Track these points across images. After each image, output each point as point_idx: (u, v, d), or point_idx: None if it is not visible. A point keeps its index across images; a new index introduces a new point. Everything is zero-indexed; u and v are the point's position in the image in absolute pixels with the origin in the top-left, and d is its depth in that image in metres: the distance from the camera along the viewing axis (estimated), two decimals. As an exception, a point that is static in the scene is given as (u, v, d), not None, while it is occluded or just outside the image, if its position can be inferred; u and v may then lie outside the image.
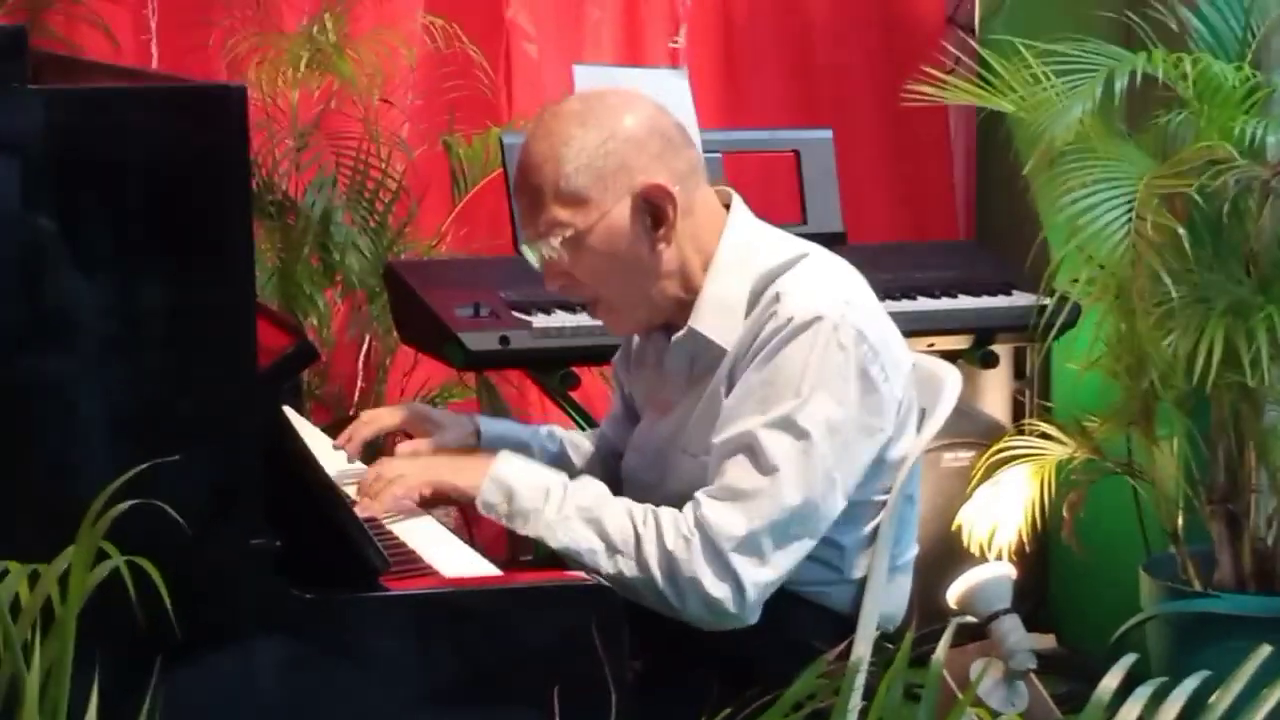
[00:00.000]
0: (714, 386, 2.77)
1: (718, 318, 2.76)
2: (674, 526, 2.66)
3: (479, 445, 3.01)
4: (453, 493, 2.80)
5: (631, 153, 2.71)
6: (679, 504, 2.70)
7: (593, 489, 2.75)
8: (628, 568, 2.67)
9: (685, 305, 2.81)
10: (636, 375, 3.01)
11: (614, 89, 2.92)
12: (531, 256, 2.78)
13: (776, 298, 2.71)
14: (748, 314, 2.75)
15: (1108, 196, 3.71)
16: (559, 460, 3.06)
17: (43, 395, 2.26)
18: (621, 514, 2.70)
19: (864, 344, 2.69)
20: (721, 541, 2.64)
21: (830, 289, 2.74)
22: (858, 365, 2.68)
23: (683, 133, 2.79)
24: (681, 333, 2.80)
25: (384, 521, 2.74)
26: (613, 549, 2.68)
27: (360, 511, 2.70)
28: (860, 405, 2.69)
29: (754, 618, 2.68)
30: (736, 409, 2.70)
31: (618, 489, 2.82)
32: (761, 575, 2.66)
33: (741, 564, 2.64)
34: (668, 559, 2.65)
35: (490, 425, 3.07)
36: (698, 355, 2.80)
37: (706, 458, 2.74)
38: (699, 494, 2.68)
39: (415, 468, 2.82)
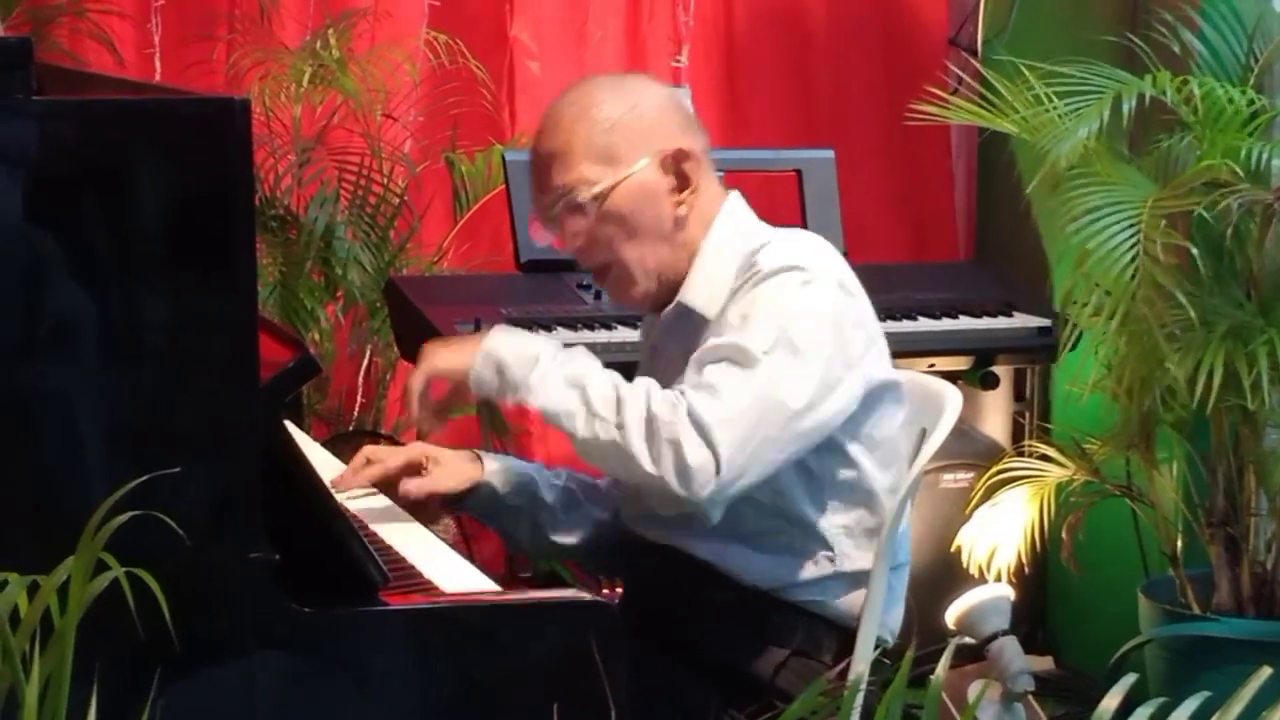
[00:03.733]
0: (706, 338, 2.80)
1: (705, 289, 2.82)
2: (661, 394, 2.66)
3: (481, 478, 2.97)
4: (446, 376, 2.79)
5: (659, 119, 2.82)
6: None
7: (583, 359, 2.74)
8: (604, 430, 2.65)
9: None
10: (644, 360, 3.03)
11: (636, 72, 3.02)
12: (548, 224, 2.82)
13: (755, 263, 2.77)
14: (733, 290, 2.80)
15: (1113, 220, 3.71)
16: (566, 499, 3.04)
17: (44, 407, 2.26)
18: (606, 382, 2.69)
19: (843, 292, 2.75)
20: (705, 417, 2.63)
21: (809, 250, 2.81)
22: (836, 308, 2.73)
23: (697, 120, 2.90)
24: (670, 308, 2.84)
25: (381, 535, 2.74)
26: (592, 413, 2.66)
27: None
28: (838, 342, 2.72)
29: (715, 511, 2.68)
30: (719, 335, 2.73)
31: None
32: (737, 460, 2.64)
33: (723, 440, 2.62)
34: (650, 420, 2.64)
35: (492, 459, 3.04)
36: (689, 332, 2.83)
37: None
38: (685, 387, 2.67)
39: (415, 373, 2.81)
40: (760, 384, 2.67)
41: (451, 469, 2.93)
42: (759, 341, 2.69)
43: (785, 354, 2.69)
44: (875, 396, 2.81)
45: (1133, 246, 3.69)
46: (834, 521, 2.82)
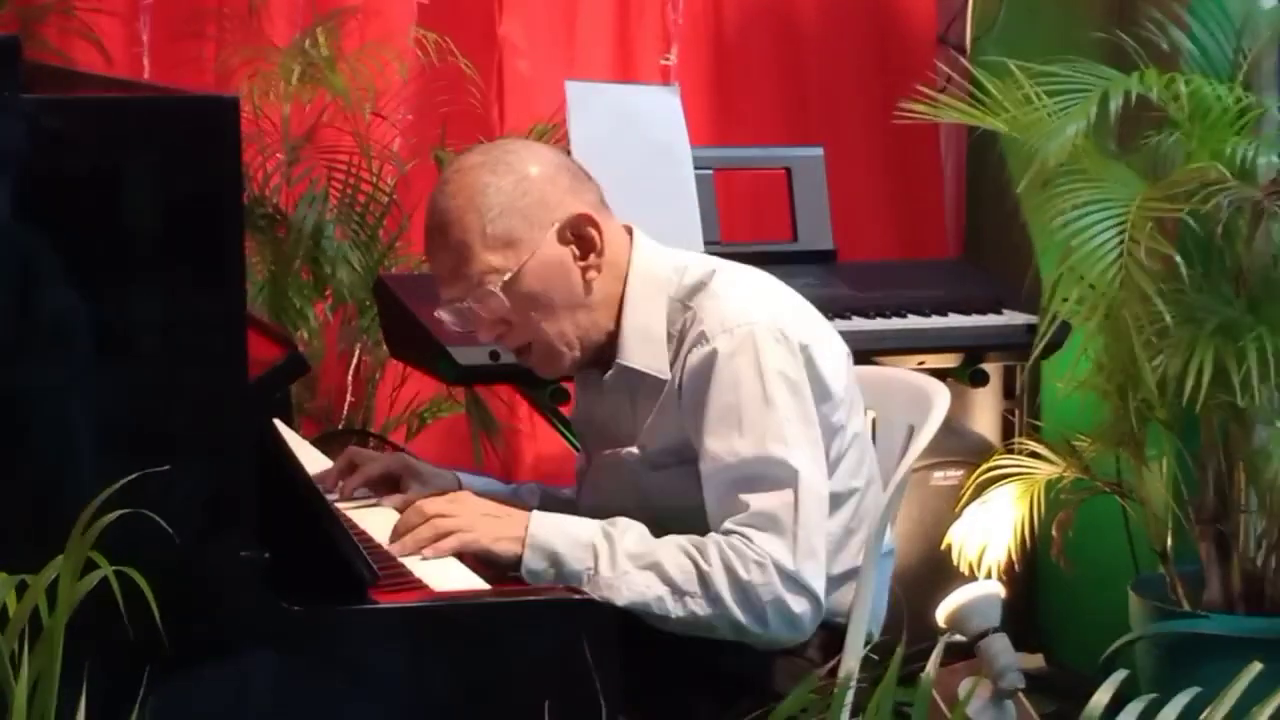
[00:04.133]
0: (661, 404, 2.81)
1: (642, 349, 2.82)
2: (738, 555, 2.68)
3: None
4: (491, 560, 2.72)
5: (547, 188, 2.78)
6: (654, 523, 2.73)
7: (634, 531, 2.73)
8: (700, 608, 2.68)
9: (615, 338, 2.86)
10: (582, 403, 3.03)
11: (509, 140, 3.05)
12: (456, 317, 2.80)
13: (699, 324, 2.77)
14: (671, 340, 2.81)
15: (1100, 217, 3.71)
16: None
17: (32, 405, 2.26)
18: (676, 553, 2.70)
19: (794, 338, 2.75)
20: (789, 565, 2.68)
21: (747, 298, 2.81)
22: (797, 357, 2.75)
23: (583, 169, 2.86)
24: (612, 372, 2.85)
25: (371, 533, 2.74)
26: (679, 592, 2.68)
27: (398, 551, 2.66)
28: (813, 390, 2.75)
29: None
30: (718, 442, 2.73)
31: None
32: (822, 579, 2.72)
33: (811, 574, 2.70)
34: (743, 589, 2.67)
35: (471, 482, 3.03)
36: (635, 387, 2.84)
37: (668, 470, 2.80)
38: (745, 529, 2.69)
39: (462, 523, 2.71)
40: (808, 495, 2.71)
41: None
42: (779, 444, 2.71)
43: (804, 444, 2.72)
44: (840, 404, 2.83)
45: (1118, 244, 3.69)
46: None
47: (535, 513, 2.75)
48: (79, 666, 1.94)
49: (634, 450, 2.86)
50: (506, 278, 2.75)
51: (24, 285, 2.24)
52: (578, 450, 3.34)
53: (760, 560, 2.67)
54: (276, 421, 2.69)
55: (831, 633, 2.84)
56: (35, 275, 2.24)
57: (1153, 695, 1.90)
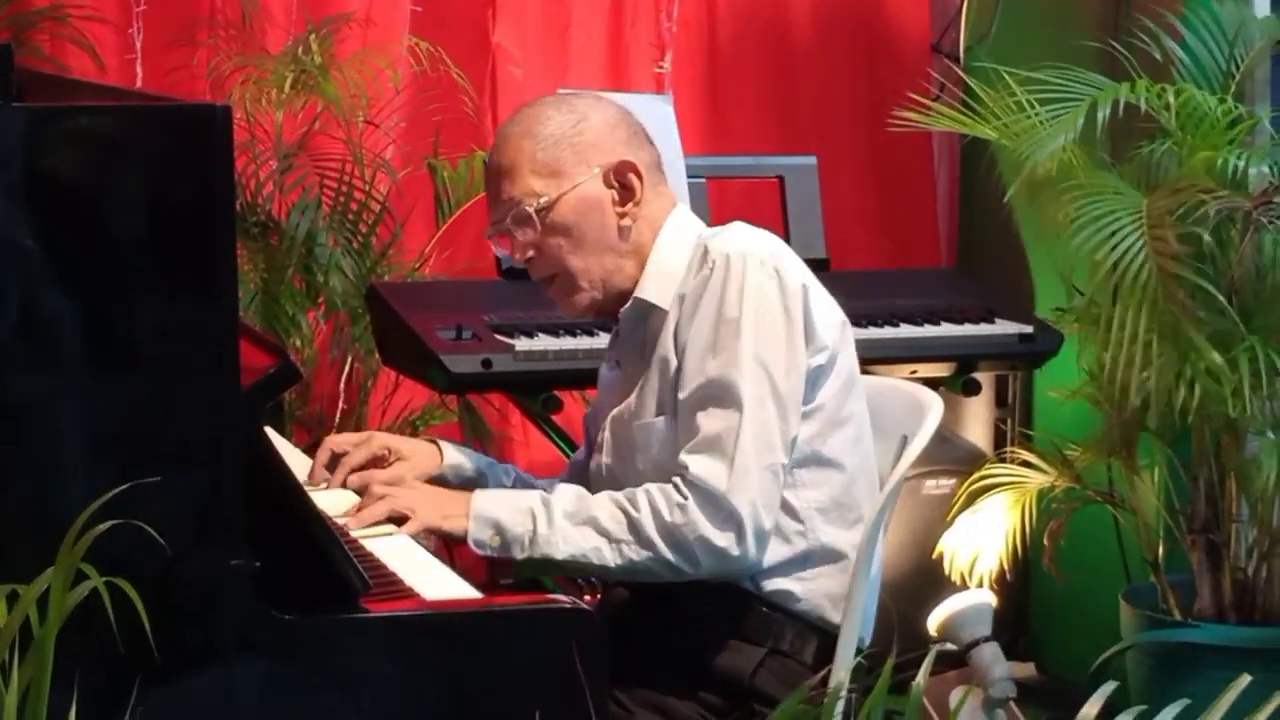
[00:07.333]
0: (661, 350, 2.87)
1: (659, 284, 2.91)
2: (665, 499, 2.76)
3: (442, 465, 3.07)
4: (442, 536, 2.86)
5: (603, 134, 2.92)
6: (652, 479, 2.81)
7: (570, 493, 2.84)
8: (635, 554, 2.77)
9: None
10: (602, 395, 3.07)
11: (587, 90, 3.19)
12: (500, 236, 2.92)
13: (705, 252, 2.86)
14: (685, 279, 2.89)
15: (1114, 227, 3.71)
16: None
17: (22, 414, 2.25)
18: (609, 505, 2.80)
19: (788, 277, 2.82)
20: (714, 488, 2.75)
21: (756, 238, 2.89)
22: (785, 294, 2.81)
23: (646, 134, 2.98)
24: (628, 306, 2.93)
25: (363, 541, 2.74)
26: (615, 541, 2.78)
27: (355, 525, 2.78)
28: (794, 329, 2.81)
29: (759, 554, 2.79)
30: (692, 363, 2.82)
31: None
32: (757, 510, 2.76)
33: (740, 503, 2.75)
34: (669, 531, 2.75)
35: (452, 450, 3.11)
36: (646, 327, 2.92)
37: (662, 419, 2.85)
38: (682, 455, 2.78)
39: (412, 502, 2.85)
40: (751, 421, 2.77)
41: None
42: (735, 370, 2.77)
43: (763, 378, 2.77)
44: (831, 362, 2.87)
45: (1140, 250, 3.69)
46: (803, 496, 2.86)
47: (478, 490, 2.89)
48: (70, 675, 1.94)
49: (633, 401, 2.91)
50: (542, 201, 2.87)
51: (15, 293, 2.24)
52: (569, 457, 3.36)
53: (682, 502, 2.75)
54: (267, 429, 2.69)
55: (819, 633, 2.85)
56: (26, 284, 2.24)
57: (1142, 707, 1.90)
